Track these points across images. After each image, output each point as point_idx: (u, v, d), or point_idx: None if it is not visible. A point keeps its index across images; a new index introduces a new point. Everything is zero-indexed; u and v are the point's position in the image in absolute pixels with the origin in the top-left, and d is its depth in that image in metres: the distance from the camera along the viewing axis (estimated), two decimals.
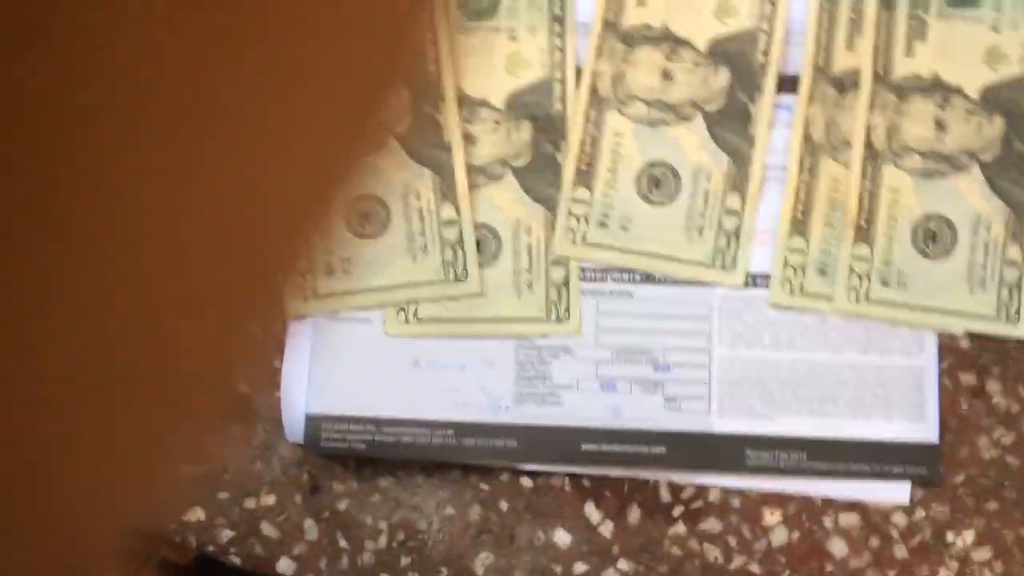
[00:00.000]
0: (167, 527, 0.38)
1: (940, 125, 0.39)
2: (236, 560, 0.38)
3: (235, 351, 0.13)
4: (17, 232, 0.09)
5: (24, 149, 0.09)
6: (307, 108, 0.11)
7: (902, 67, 0.40)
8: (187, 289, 0.11)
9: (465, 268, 0.39)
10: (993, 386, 0.39)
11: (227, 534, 0.38)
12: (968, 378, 0.39)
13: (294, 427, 0.38)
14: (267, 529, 0.38)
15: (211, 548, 0.38)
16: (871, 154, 0.39)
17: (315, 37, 0.11)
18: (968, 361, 0.39)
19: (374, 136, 0.13)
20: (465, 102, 0.39)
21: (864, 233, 0.39)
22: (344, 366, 0.39)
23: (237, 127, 0.11)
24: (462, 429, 0.38)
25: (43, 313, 0.10)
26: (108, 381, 0.11)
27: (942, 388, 0.38)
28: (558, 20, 0.40)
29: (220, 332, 0.12)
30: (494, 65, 0.40)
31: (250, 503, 0.39)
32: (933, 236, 0.39)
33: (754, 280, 0.39)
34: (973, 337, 0.39)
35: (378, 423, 0.38)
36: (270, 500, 0.39)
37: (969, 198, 0.39)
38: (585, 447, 0.38)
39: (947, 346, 0.39)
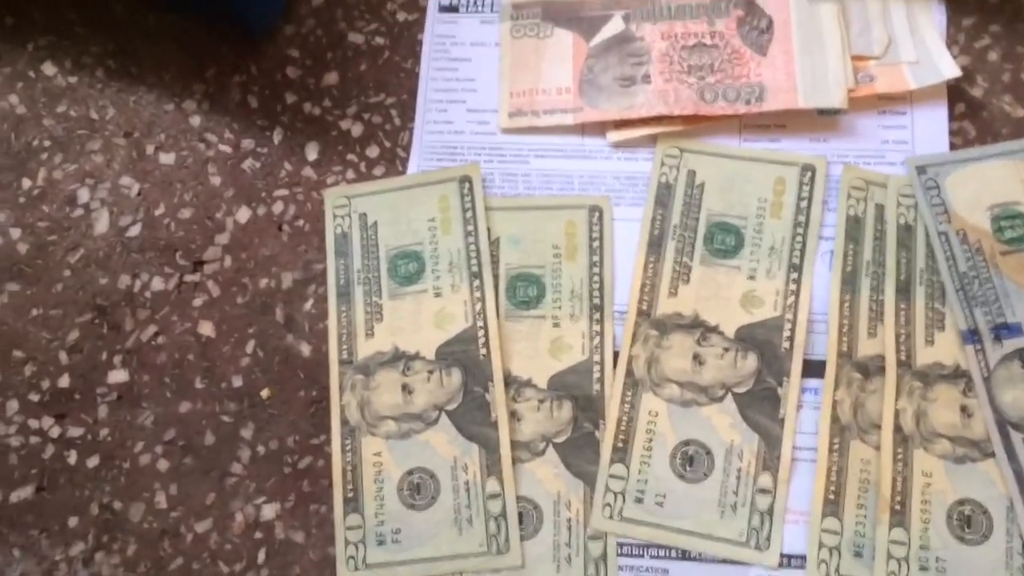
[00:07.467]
0: None
1: (965, 411, 0.41)
2: None
3: None
4: None
5: None
6: None
7: (925, 355, 0.42)
8: None
9: (507, 540, 0.41)
10: None
11: None
12: None
13: None
14: None
15: None
16: (901, 438, 0.41)
17: None
18: None
19: None
20: (512, 382, 0.43)
21: (899, 517, 0.40)
22: None
23: None
24: None
25: None
26: None
27: None
28: (597, 308, 0.44)
29: None
30: (538, 349, 0.44)
31: None
32: (968, 521, 0.40)
33: (789, 561, 0.40)
34: None
35: None
36: None
37: (998, 481, 0.40)
38: None
39: None
